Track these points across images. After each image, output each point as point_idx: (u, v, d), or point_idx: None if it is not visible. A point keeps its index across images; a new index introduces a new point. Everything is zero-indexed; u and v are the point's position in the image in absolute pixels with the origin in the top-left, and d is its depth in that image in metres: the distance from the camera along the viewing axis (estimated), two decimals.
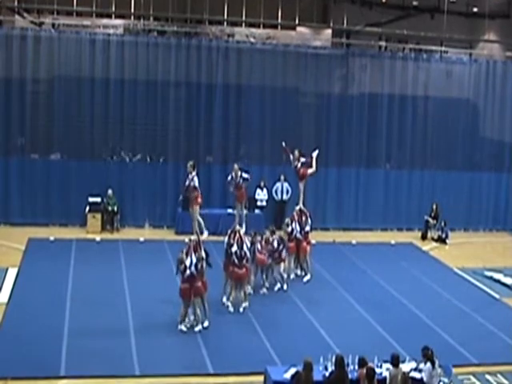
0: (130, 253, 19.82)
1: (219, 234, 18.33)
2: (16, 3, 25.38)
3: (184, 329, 14.44)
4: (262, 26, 27.54)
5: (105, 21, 27.10)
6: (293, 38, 27.71)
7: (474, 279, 19.34)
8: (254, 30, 27.71)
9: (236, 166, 16.83)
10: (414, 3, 28.72)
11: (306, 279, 18.19)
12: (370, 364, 11.22)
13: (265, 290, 17.05)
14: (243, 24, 27.32)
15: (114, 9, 25.13)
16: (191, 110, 22.91)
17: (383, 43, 27.70)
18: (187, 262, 14.40)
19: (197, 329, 14.44)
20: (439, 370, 11.45)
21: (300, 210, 18.37)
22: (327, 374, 11.43)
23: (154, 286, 16.93)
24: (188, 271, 14.38)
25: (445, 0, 25.03)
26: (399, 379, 11.08)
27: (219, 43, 23.57)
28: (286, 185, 22.91)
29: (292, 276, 18.25)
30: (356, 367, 11.45)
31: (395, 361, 11.27)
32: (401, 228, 24.47)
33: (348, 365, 11.45)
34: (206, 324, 14.64)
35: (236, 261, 15.62)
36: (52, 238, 20.57)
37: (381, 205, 24.38)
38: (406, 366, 11.88)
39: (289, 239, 18.13)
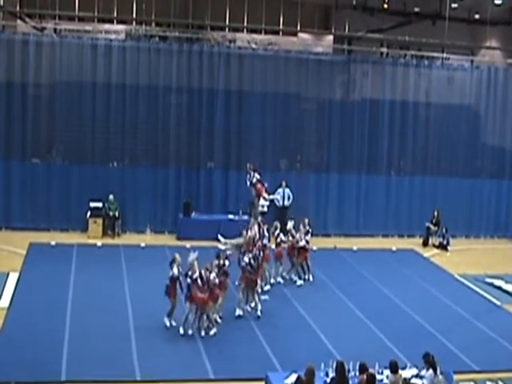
0: (131, 258, 19.81)
1: (219, 240, 18.32)
2: (18, 8, 25.47)
3: (181, 331, 14.47)
4: (263, 31, 27.64)
5: (107, 26, 27.18)
6: (294, 43, 27.77)
7: (475, 286, 19.32)
8: (255, 35, 27.78)
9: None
10: (416, 10, 28.78)
11: (299, 283, 18.25)
12: (371, 370, 11.20)
13: (266, 296, 17.03)
14: (245, 30, 27.40)
15: (115, 14, 25.23)
16: (192, 115, 22.90)
17: (385, 49, 27.76)
18: (175, 270, 14.61)
19: (190, 332, 14.48)
20: (441, 377, 11.41)
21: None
22: (328, 380, 11.42)
23: (155, 291, 16.81)
24: (171, 272, 14.66)
25: (446, 6, 25.06)
26: None
27: (221, 49, 23.60)
28: (287, 190, 22.89)
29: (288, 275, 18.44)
30: (357, 373, 11.42)
31: (393, 367, 11.27)
32: (402, 234, 24.45)
33: (349, 371, 11.44)
34: (203, 333, 14.52)
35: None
36: (53, 243, 20.56)
37: (382, 211, 24.35)
38: (407, 373, 11.86)
39: (277, 245, 18.20)
